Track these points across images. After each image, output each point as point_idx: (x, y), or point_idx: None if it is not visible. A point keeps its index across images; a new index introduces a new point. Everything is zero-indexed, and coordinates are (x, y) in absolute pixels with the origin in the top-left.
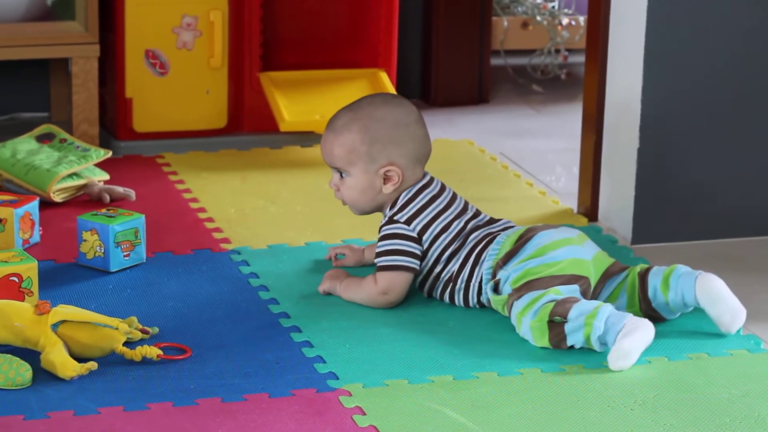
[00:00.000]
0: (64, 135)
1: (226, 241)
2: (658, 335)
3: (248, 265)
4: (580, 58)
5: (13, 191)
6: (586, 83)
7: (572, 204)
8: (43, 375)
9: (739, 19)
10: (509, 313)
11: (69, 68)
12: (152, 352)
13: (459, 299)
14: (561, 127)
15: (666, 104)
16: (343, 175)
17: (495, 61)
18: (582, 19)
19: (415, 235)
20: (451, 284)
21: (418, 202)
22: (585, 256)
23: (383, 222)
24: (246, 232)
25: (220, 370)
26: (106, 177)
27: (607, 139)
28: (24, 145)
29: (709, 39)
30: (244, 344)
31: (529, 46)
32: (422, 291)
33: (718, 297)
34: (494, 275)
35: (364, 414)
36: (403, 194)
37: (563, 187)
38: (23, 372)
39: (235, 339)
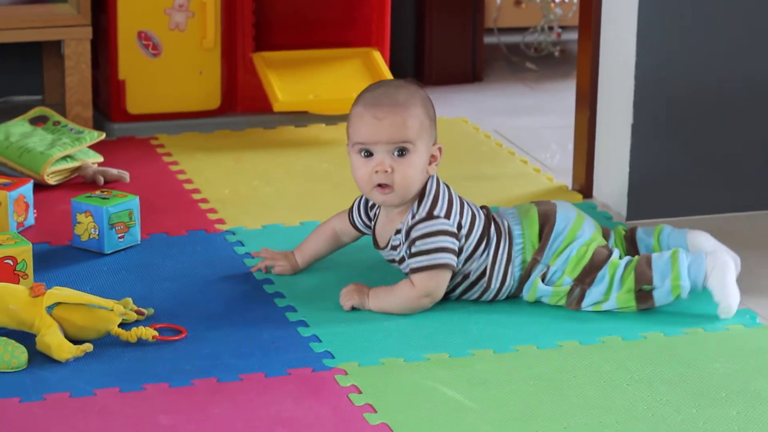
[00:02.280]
0: (58, 117)
1: (221, 221)
2: (653, 311)
3: (243, 245)
4: (574, 35)
5: (7, 174)
6: (579, 60)
7: (567, 181)
8: (39, 357)
9: None
10: (577, 301)
11: (62, 51)
12: (147, 333)
13: (489, 296)
14: (555, 104)
15: (659, 80)
16: (405, 152)
17: (488, 39)
18: None
19: (455, 230)
20: (484, 281)
21: (445, 194)
22: (594, 224)
23: (416, 219)
24: (240, 213)
25: (216, 351)
26: (100, 159)
27: (601, 115)
28: (17, 128)
29: (704, 12)
30: (239, 324)
31: (522, 24)
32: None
33: (710, 249)
34: (531, 269)
35: (360, 392)
36: (429, 185)
37: (558, 164)
38: (19, 354)
39: (230, 319)
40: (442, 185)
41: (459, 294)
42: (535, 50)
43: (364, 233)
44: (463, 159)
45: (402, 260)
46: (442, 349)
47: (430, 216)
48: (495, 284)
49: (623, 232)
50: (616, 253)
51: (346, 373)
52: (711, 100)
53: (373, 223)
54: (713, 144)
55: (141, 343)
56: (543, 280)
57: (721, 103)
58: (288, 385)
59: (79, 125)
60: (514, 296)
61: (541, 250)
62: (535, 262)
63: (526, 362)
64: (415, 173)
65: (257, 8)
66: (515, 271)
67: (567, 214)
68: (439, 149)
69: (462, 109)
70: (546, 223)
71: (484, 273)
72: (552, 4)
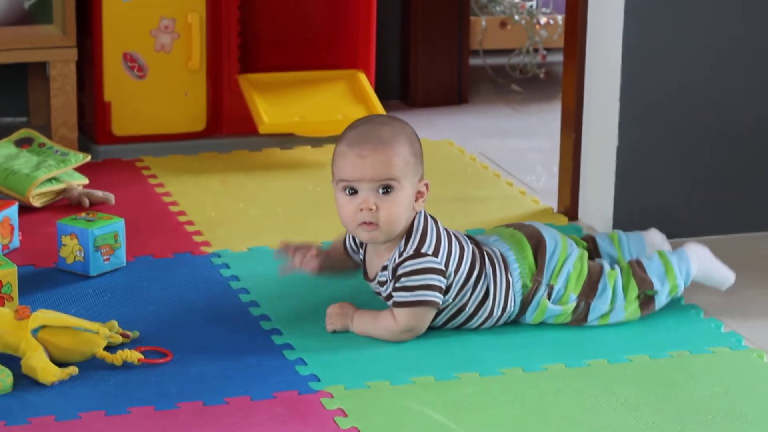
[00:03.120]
0: (43, 139)
1: (207, 244)
2: (638, 334)
3: (229, 267)
4: (559, 57)
5: None
6: (564, 82)
7: (552, 203)
8: (24, 380)
9: (718, 15)
10: (583, 316)
11: (47, 72)
12: (133, 356)
13: (491, 323)
14: (540, 127)
15: (645, 102)
16: (390, 190)
17: (474, 61)
18: (560, 17)
19: (443, 267)
20: (485, 310)
21: (433, 230)
22: (570, 239)
23: (403, 257)
24: (226, 235)
25: (202, 374)
26: (86, 181)
27: (587, 138)
28: (2, 149)
29: (687, 36)
30: (225, 347)
31: (507, 46)
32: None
33: (661, 247)
34: (533, 292)
35: (346, 416)
36: (416, 221)
37: (543, 187)
38: (4, 378)
39: (216, 342)
40: (430, 221)
41: (460, 324)
42: (521, 72)
43: (353, 260)
44: (449, 181)
45: (389, 297)
46: (428, 372)
47: (417, 254)
48: (497, 312)
49: (584, 243)
50: (605, 262)
51: (332, 396)
52: (697, 122)
53: (362, 252)
54: (699, 166)
55: (126, 366)
56: (549, 299)
57: (707, 126)
58: (274, 409)
59: (64, 147)
60: (514, 321)
61: (540, 272)
62: (537, 284)
63: (512, 385)
64: (400, 211)
65: (243, 30)
66: (516, 297)
67: (552, 233)
68: (426, 185)
69: (447, 131)
70: (537, 245)
71: (483, 301)
72: (537, 26)
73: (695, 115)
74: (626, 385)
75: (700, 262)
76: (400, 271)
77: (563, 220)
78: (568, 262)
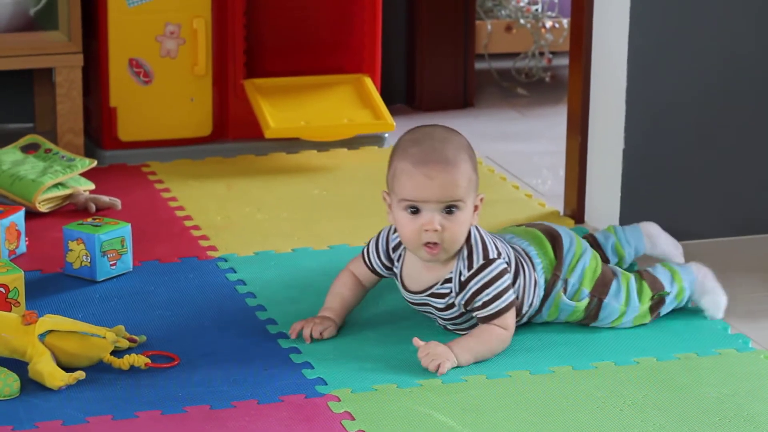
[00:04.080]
0: (49, 145)
1: (213, 248)
2: (645, 336)
3: (235, 272)
4: (564, 61)
5: None
6: (570, 85)
7: (559, 206)
8: (31, 385)
9: (723, 17)
10: (594, 314)
11: (53, 78)
12: (140, 360)
13: (521, 321)
14: (546, 130)
15: (650, 105)
16: (454, 210)
17: (479, 65)
18: (565, 21)
19: (506, 265)
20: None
21: (486, 235)
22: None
23: (474, 269)
24: (232, 240)
25: (209, 378)
26: (92, 186)
27: (593, 140)
28: (9, 155)
29: (693, 38)
30: (232, 351)
31: (513, 50)
32: (457, 327)
33: (658, 237)
34: (551, 287)
35: (353, 419)
36: (472, 234)
37: (549, 190)
38: (11, 383)
39: (222, 346)
40: (478, 228)
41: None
42: (526, 76)
43: (384, 276)
44: None
45: (448, 308)
46: (434, 375)
47: (488, 261)
48: (525, 309)
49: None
50: (617, 267)
51: (339, 400)
52: (702, 124)
53: (398, 265)
54: (705, 169)
55: (133, 370)
56: (565, 294)
57: (713, 128)
58: (281, 412)
59: (70, 153)
60: (530, 319)
61: (559, 266)
62: (555, 278)
63: (519, 388)
64: (463, 230)
65: (248, 35)
66: (539, 293)
67: (565, 229)
68: (481, 199)
69: None
70: (554, 240)
71: (518, 299)
72: (543, 30)
73: (701, 118)
74: (633, 387)
75: (704, 276)
76: (474, 285)
77: (570, 222)
78: (584, 258)
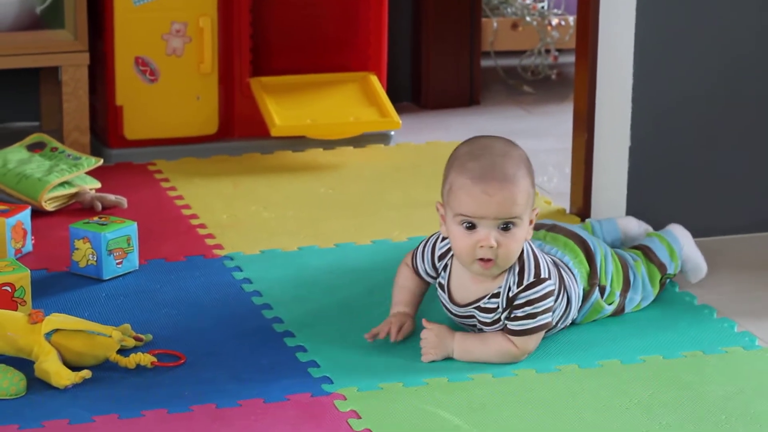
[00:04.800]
0: (55, 144)
1: (219, 247)
2: (652, 334)
3: (241, 270)
4: (571, 58)
5: (5, 201)
6: (576, 83)
7: (565, 204)
8: (37, 384)
9: (729, 15)
10: (621, 309)
11: (59, 77)
12: (146, 359)
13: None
14: (552, 128)
15: (657, 102)
16: (510, 227)
17: (485, 63)
18: (571, 19)
19: (556, 287)
20: (562, 322)
21: (538, 253)
22: None
23: (524, 285)
24: (238, 238)
25: (215, 376)
26: (98, 185)
27: (599, 138)
28: (15, 154)
29: (699, 36)
30: (238, 350)
31: (519, 47)
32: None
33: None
34: (589, 294)
35: (360, 418)
36: (525, 249)
37: (555, 188)
38: (17, 381)
39: (228, 345)
40: (531, 244)
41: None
42: (532, 73)
43: (427, 282)
44: None
45: (494, 323)
46: (441, 374)
47: (539, 280)
48: (566, 320)
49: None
50: (626, 254)
51: (345, 398)
52: (709, 122)
53: (444, 275)
54: (711, 166)
55: (140, 369)
56: (604, 300)
57: (719, 125)
58: (287, 411)
59: (76, 151)
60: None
61: (594, 274)
62: (593, 286)
63: (525, 386)
64: (518, 247)
65: (254, 33)
66: (579, 302)
67: (584, 232)
68: (536, 213)
69: (459, 132)
70: (585, 247)
71: (563, 312)
72: (549, 27)
73: (707, 115)
74: (640, 385)
75: (686, 244)
76: (521, 300)
77: (576, 220)
78: (608, 260)
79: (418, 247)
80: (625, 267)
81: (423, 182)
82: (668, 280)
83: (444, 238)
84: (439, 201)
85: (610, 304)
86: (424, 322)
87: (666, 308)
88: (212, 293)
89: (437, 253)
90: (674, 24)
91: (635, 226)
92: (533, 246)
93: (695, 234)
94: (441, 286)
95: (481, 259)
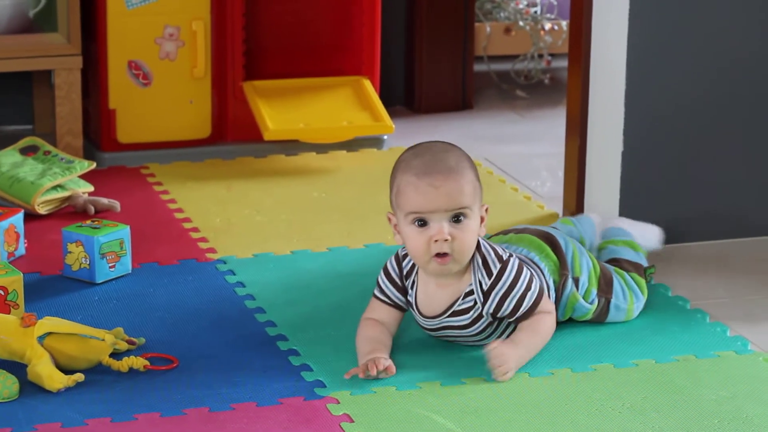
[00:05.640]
0: (48, 147)
1: (212, 250)
2: (644, 338)
3: (234, 274)
4: (564, 63)
5: None
6: (569, 87)
7: (557, 208)
8: (30, 387)
9: (722, 20)
10: (604, 313)
11: (52, 80)
12: (139, 362)
13: None
14: (545, 132)
15: (650, 107)
16: (461, 218)
17: (478, 67)
18: (564, 23)
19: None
20: None
21: (492, 245)
22: None
23: (494, 275)
24: (231, 242)
25: (207, 380)
26: (91, 188)
27: (592, 143)
28: (8, 157)
29: (692, 41)
30: (230, 353)
31: (512, 52)
32: (483, 342)
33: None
34: (562, 287)
35: (353, 421)
36: (481, 244)
37: (548, 192)
38: (10, 385)
39: (221, 348)
40: (482, 239)
41: (508, 334)
42: (525, 78)
43: (403, 309)
44: None
45: (473, 322)
46: (434, 378)
47: (504, 263)
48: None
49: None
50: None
51: (338, 402)
52: (701, 126)
53: (412, 293)
54: (704, 171)
55: (132, 372)
56: (581, 294)
57: (712, 130)
58: (280, 415)
59: (69, 155)
60: None
61: (564, 265)
62: (564, 278)
63: (518, 390)
64: (472, 239)
65: (247, 37)
66: (552, 296)
67: (554, 229)
68: (486, 210)
69: (452, 136)
70: (550, 241)
71: (543, 286)
72: (542, 32)
73: (700, 120)
74: (632, 389)
75: (630, 227)
76: (501, 290)
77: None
78: (583, 256)
79: (379, 279)
80: (607, 273)
81: None
82: (651, 274)
83: (405, 256)
84: (389, 212)
85: (589, 303)
86: (486, 347)
87: (659, 312)
88: (205, 297)
89: (404, 271)
90: (667, 29)
91: (599, 220)
92: (486, 240)
93: (688, 238)
94: (410, 304)
95: (438, 255)
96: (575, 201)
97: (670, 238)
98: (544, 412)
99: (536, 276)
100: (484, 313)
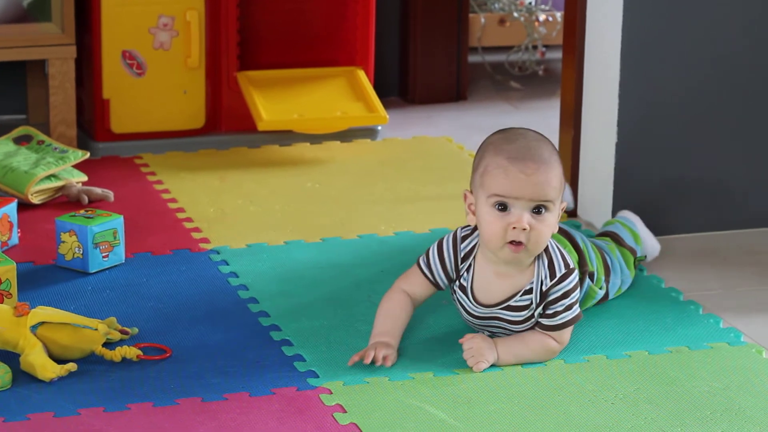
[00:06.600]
0: (42, 137)
1: (205, 240)
2: (638, 330)
3: (227, 264)
4: (558, 54)
5: None
6: (563, 79)
7: None
8: (23, 377)
9: (716, 12)
10: (605, 295)
11: (46, 70)
12: (132, 352)
13: None
14: (539, 123)
15: (644, 99)
16: (543, 211)
17: (472, 58)
18: (559, 14)
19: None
20: None
21: (560, 245)
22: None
23: (558, 277)
24: (225, 232)
25: (200, 370)
26: (84, 178)
27: (586, 134)
28: (1, 147)
29: (686, 33)
30: (224, 344)
31: (506, 43)
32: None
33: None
34: (582, 280)
35: (345, 412)
36: (550, 242)
37: None
38: (2, 374)
39: (214, 338)
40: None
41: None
42: (520, 69)
43: (441, 289)
44: (448, 178)
45: (526, 320)
46: (426, 369)
47: (569, 270)
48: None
49: None
50: (598, 241)
51: (331, 393)
52: (695, 118)
53: (467, 277)
54: (697, 163)
55: (125, 362)
56: (595, 284)
57: (706, 121)
58: (272, 405)
59: (63, 144)
60: None
61: (584, 262)
62: (584, 274)
63: (511, 381)
64: (549, 232)
65: (242, 27)
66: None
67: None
68: (563, 207)
69: (446, 128)
70: (568, 237)
71: (580, 315)
72: (536, 23)
73: (694, 111)
74: (625, 380)
75: (640, 227)
76: (557, 293)
77: (562, 216)
78: (588, 246)
79: (430, 253)
80: (601, 252)
81: (410, 177)
82: (640, 263)
83: (464, 238)
84: (466, 189)
85: (600, 289)
86: (461, 339)
87: (652, 304)
88: (198, 287)
89: (461, 254)
90: (661, 20)
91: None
92: (551, 239)
93: (681, 230)
94: (462, 288)
95: (512, 243)
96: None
97: (663, 230)
98: (537, 403)
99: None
100: (535, 315)
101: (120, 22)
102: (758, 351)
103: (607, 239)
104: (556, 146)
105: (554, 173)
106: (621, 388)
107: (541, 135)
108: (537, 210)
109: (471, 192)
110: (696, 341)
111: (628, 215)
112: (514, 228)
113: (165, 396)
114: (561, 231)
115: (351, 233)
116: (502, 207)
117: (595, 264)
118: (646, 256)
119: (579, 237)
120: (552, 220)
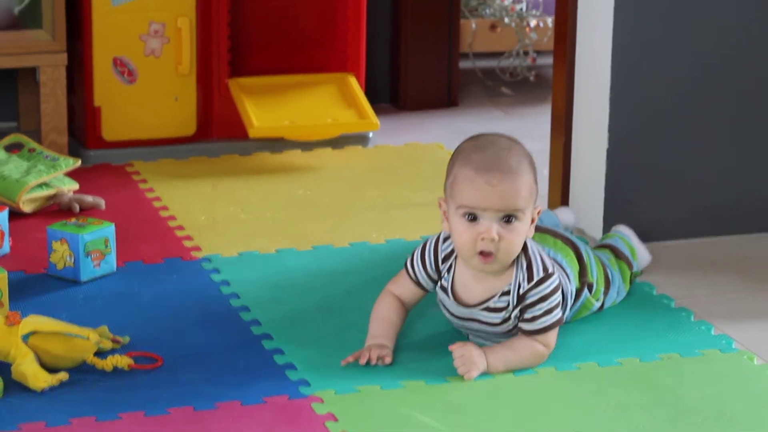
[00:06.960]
0: (33, 144)
1: (197, 249)
2: (629, 337)
3: (219, 272)
4: (549, 60)
5: None
6: (554, 85)
7: (543, 205)
8: (14, 386)
9: (707, 17)
10: (601, 306)
11: (37, 77)
12: (123, 361)
13: None
14: (530, 129)
15: (634, 104)
16: (512, 220)
17: (463, 64)
18: (550, 20)
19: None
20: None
21: (540, 249)
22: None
23: (534, 281)
24: (216, 240)
25: (192, 379)
26: (76, 186)
27: (577, 140)
28: None
29: (677, 39)
30: (215, 352)
31: (497, 49)
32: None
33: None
34: (580, 293)
35: (337, 420)
36: (528, 245)
37: None
38: None
39: (206, 347)
40: (532, 241)
41: None
42: (511, 75)
43: (427, 291)
44: (439, 185)
45: (503, 322)
46: (418, 377)
47: (547, 275)
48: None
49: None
50: (599, 253)
51: (323, 401)
52: (686, 123)
53: (448, 277)
54: (688, 168)
55: (117, 371)
56: (592, 296)
57: (697, 127)
58: (264, 414)
59: (54, 152)
60: None
61: (584, 272)
62: (584, 285)
63: (502, 389)
64: (519, 240)
65: (233, 34)
66: (569, 302)
67: (565, 232)
68: (539, 212)
69: (437, 134)
70: (573, 246)
71: (562, 318)
72: (527, 29)
73: (685, 117)
74: (617, 388)
75: (634, 239)
76: (534, 297)
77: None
78: (591, 258)
79: (413, 256)
80: (603, 266)
81: (401, 184)
82: (635, 278)
83: (446, 239)
84: (441, 197)
85: (597, 301)
86: (451, 347)
87: (643, 311)
88: (190, 295)
89: (441, 255)
90: (652, 26)
91: (568, 215)
92: (534, 243)
93: (671, 236)
94: (444, 288)
95: (482, 253)
96: (560, 198)
97: (654, 236)
98: (528, 410)
99: (560, 305)
100: (512, 316)
101: (111, 29)
102: (750, 357)
103: (606, 251)
104: (547, 152)
105: (522, 181)
106: (613, 395)
107: (514, 141)
108: (506, 219)
109: (444, 200)
110: (687, 348)
111: (623, 229)
112: (483, 239)
113: (156, 405)
114: (566, 241)
115: (342, 241)
116: (472, 217)
117: (595, 276)
118: (641, 272)
119: (583, 248)
120: (523, 228)
